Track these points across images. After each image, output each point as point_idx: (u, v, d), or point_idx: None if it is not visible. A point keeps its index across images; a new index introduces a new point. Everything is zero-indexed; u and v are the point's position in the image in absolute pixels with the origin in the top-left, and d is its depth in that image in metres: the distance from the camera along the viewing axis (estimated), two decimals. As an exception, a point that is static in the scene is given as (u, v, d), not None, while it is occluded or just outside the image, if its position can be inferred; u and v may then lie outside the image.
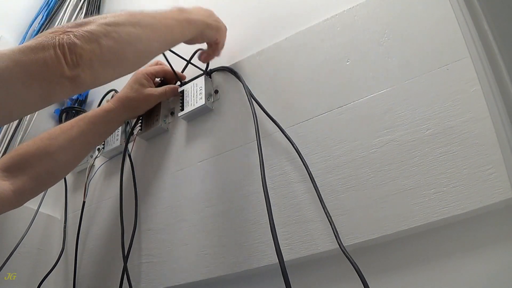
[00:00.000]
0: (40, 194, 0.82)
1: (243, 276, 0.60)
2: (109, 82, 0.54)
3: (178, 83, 0.78)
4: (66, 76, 0.46)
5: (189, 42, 0.67)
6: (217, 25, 0.70)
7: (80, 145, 0.67)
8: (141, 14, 0.56)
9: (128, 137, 0.78)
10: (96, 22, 0.50)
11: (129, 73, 0.59)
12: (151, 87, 0.75)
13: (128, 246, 0.69)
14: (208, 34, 0.68)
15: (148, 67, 0.78)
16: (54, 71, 0.45)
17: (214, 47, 0.72)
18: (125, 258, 0.67)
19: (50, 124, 0.95)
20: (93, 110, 0.71)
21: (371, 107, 0.57)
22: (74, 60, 0.46)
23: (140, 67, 0.60)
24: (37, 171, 0.61)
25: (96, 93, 0.99)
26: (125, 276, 0.65)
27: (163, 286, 0.64)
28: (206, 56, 0.73)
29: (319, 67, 0.64)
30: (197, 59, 0.75)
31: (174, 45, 0.63)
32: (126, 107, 0.72)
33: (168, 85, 0.77)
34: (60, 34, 0.46)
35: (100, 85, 0.53)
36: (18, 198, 0.59)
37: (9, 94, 0.43)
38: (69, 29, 0.47)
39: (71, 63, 0.46)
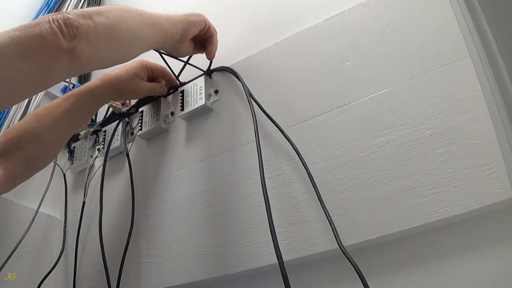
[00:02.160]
0: (40, 194, 0.82)
1: (243, 276, 0.60)
2: (105, 62, 0.54)
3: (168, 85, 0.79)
4: (63, 48, 0.46)
5: (181, 39, 0.65)
6: (197, 15, 0.69)
7: (66, 125, 0.67)
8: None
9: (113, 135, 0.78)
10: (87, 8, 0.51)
11: (124, 56, 0.58)
12: (144, 80, 0.75)
13: (125, 245, 0.69)
14: (194, 22, 0.67)
15: (150, 61, 0.78)
16: (50, 44, 0.45)
17: (209, 38, 0.71)
18: (123, 259, 0.67)
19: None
20: (79, 88, 0.69)
21: (371, 107, 0.57)
22: (71, 33, 0.46)
23: (134, 51, 0.59)
24: (27, 155, 0.62)
25: (96, 93, 0.99)
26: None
27: (163, 286, 0.64)
28: (210, 50, 0.72)
29: (319, 67, 0.64)
30: (194, 60, 0.75)
31: (164, 32, 0.61)
32: (113, 87, 0.70)
33: (157, 83, 0.77)
34: (53, 14, 0.47)
35: (97, 64, 0.53)
36: (9, 183, 0.59)
37: (7, 71, 0.43)
38: (61, 12, 0.48)
39: (68, 35, 0.46)
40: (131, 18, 0.56)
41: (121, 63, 0.59)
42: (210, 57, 0.72)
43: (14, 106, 0.90)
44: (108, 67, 0.57)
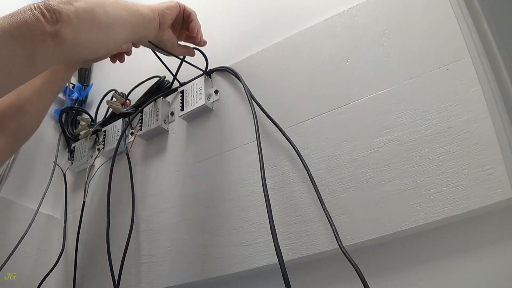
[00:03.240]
0: (40, 194, 0.82)
1: (243, 276, 0.60)
2: (89, 47, 0.54)
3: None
4: (47, 32, 0.47)
5: (161, 24, 0.65)
6: (169, 1, 0.68)
7: (46, 93, 0.69)
8: None
9: (120, 136, 0.78)
10: None
11: (106, 40, 0.58)
12: None
13: (125, 245, 0.69)
14: (169, 6, 0.67)
15: None
16: (34, 29, 0.46)
17: (188, 17, 0.70)
18: (123, 259, 0.68)
19: (50, 124, 0.95)
20: None
21: (371, 107, 0.57)
22: (54, 17, 0.47)
23: (115, 35, 0.59)
24: (12, 128, 0.64)
25: (96, 93, 0.99)
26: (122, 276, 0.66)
27: (163, 286, 0.64)
28: (192, 28, 0.70)
29: (319, 67, 0.64)
30: (194, 60, 0.75)
31: (142, 17, 0.62)
32: None
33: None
34: (34, 3, 0.48)
35: (81, 48, 0.53)
36: None
37: None
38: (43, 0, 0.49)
39: (50, 19, 0.47)
40: (108, 4, 0.56)
41: (105, 50, 0.60)
42: (194, 35, 0.71)
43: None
44: (93, 54, 0.58)
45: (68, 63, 0.71)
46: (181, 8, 0.70)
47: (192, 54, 0.75)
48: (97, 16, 0.54)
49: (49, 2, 0.48)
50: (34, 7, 0.47)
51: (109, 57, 0.77)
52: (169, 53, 0.72)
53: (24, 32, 0.45)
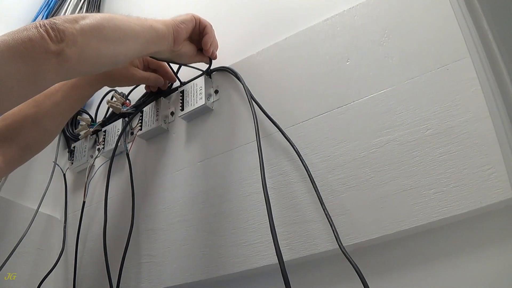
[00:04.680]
0: (40, 194, 0.82)
1: (243, 276, 0.60)
2: (97, 63, 0.54)
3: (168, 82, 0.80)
4: (51, 51, 0.47)
5: (175, 40, 0.65)
6: (184, 14, 0.69)
7: (65, 110, 0.69)
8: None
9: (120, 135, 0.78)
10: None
11: (116, 54, 0.57)
12: (138, 68, 0.75)
13: (125, 245, 0.69)
14: (183, 20, 0.67)
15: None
16: (38, 47, 0.46)
17: (203, 30, 0.71)
18: (123, 259, 0.68)
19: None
20: None
21: (371, 107, 0.57)
22: (58, 36, 0.48)
23: (126, 49, 0.58)
24: (26, 140, 0.63)
25: (96, 93, 0.99)
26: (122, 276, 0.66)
27: (163, 286, 0.64)
28: (205, 41, 0.71)
29: (319, 67, 0.64)
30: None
31: (155, 32, 0.61)
32: (107, 74, 0.72)
33: (152, 73, 0.77)
34: (40, 21, 0.48)
35: (88, 64, 0.53)
36: (7, 167, 0.61)
37: None
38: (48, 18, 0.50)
39: (55, 38, 0.47)
40: (118, 18, 0.56)
41: (115, 64, 0.59)
42: (207, 48, 0.71)
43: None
44: (101, 68, 0.58)
45: (92, 80, 0.71)
46: (197, 21, 0.70)
47: (207, 62, 0.75)
48: (105, 31, 0.53)
49: (55, 20, 0.48)
50: (40, 25, 0.47)
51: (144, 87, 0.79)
52: (185, 65, 0.73)
53: (28, 49, 0.45)
